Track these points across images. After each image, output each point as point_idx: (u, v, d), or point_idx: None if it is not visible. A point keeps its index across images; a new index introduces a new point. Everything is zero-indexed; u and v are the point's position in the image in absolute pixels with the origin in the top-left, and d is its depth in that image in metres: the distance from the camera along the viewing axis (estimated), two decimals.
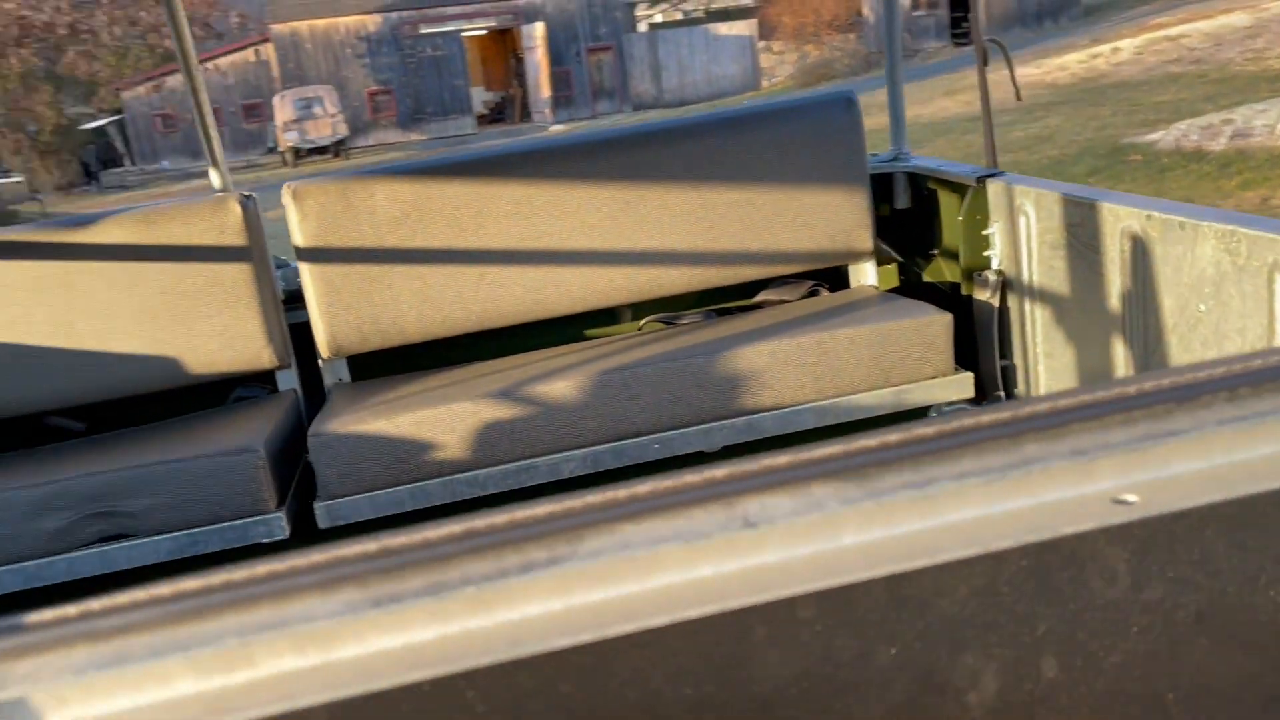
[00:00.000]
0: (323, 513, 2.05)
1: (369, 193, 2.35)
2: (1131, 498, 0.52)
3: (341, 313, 2.37)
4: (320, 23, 33.08)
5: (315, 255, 2.34)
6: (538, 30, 32.84)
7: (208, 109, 2.49)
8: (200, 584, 0.46)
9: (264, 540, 2.03)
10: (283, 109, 29.74)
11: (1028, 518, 0.50)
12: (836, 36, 31.07)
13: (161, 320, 2.30)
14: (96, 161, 33.84)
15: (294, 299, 2.42)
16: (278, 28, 32.88)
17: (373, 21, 33.37)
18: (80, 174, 31.93)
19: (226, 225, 2.30)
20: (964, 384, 2.24)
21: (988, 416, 0.51)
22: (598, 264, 2.46)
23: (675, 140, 2.50)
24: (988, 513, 0.50)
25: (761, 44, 34.28)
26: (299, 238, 2.34)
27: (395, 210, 2.36)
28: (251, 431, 2.11)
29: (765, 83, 33.13)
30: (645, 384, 2.13)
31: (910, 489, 0.49)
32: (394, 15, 33.32)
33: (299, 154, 29.25)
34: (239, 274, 2.31)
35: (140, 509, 1.98)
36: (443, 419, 2.07)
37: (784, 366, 2.16)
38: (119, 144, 34.96)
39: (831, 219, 2.54)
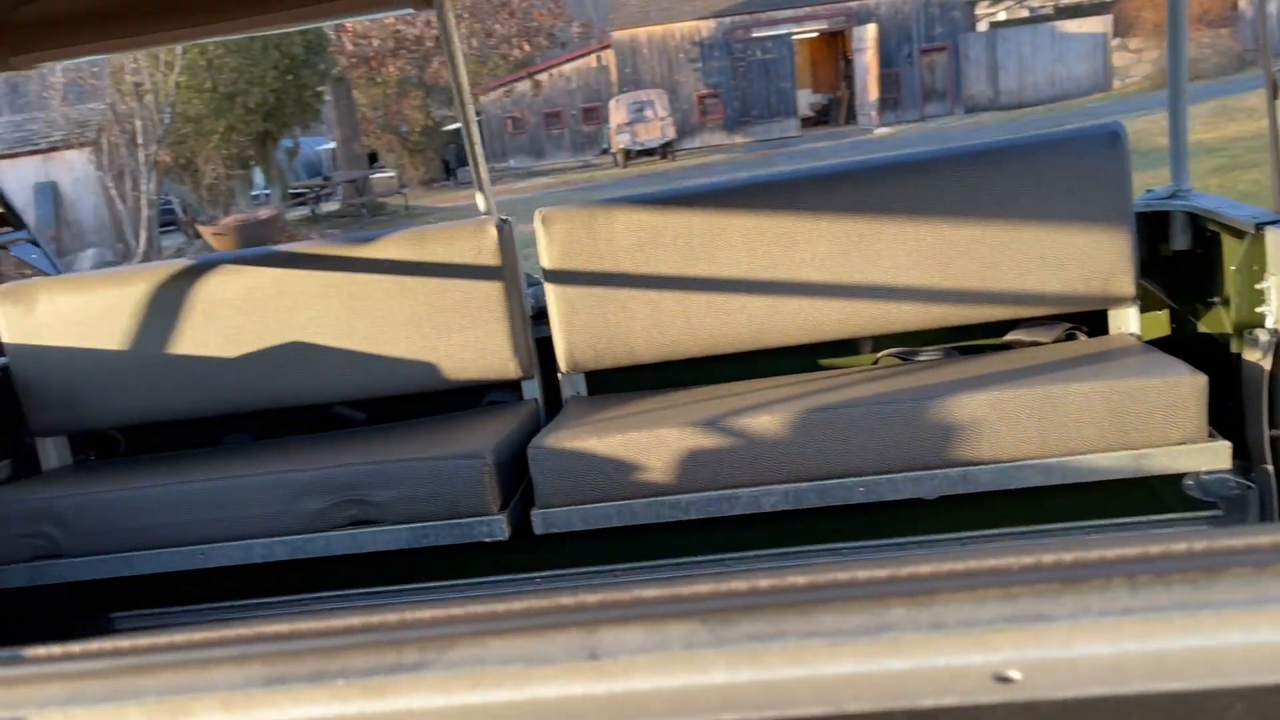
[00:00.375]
0: (538, 519, 2.21)
1: (610, 220, 2.49)
2: (1015, 674, 0.49)
3: (579, 331, 2.52)
4: (657, 29, 34.53)
5: (559, 276, 2.51)
6: (869, 32, 32.31)
7: (477, 136, 2.73)
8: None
9: (486, 539, 2.22)
10: (617, 112, 31.35)
11: (888, 684, 0.49)
12: (1207, 32, 27.99)
13: (425, 329, 2.57)
14: (455, 159, 37.50)
15: (541, 315, 2.61)
16: (618, 35, 34.72)
17: (706, 27, 34.35)
18: (440, 170, 35.41)
19: (483, 246, 2.53)
20: (1218, 453, 2.00)
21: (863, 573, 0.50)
22: (827, 296, 2.45)
23: (909, 174, 2.42)
24: (847, 671, 0.49)
25: (1116, 41, 31.61)
26: (546, 260, 2.53)
27: (633, 237, 2.48)
28: (485, 438, 2.31)
29: (1117, 83, 30.55)
30: (853, 425, 2.10)
31: (762, 640, 0.50)
32: (727, 20, 34.11)
33: (629, 155, 30.72)
34: (492, 291, 2.53)
35: (385, 500, 2.23)
36: (651, 442, 2.15)
37: (1005, 418, 2.04)
38: None
39: (1088, 260, 2.36)
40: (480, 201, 2.71)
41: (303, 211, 24.56)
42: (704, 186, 2.57)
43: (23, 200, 22.92)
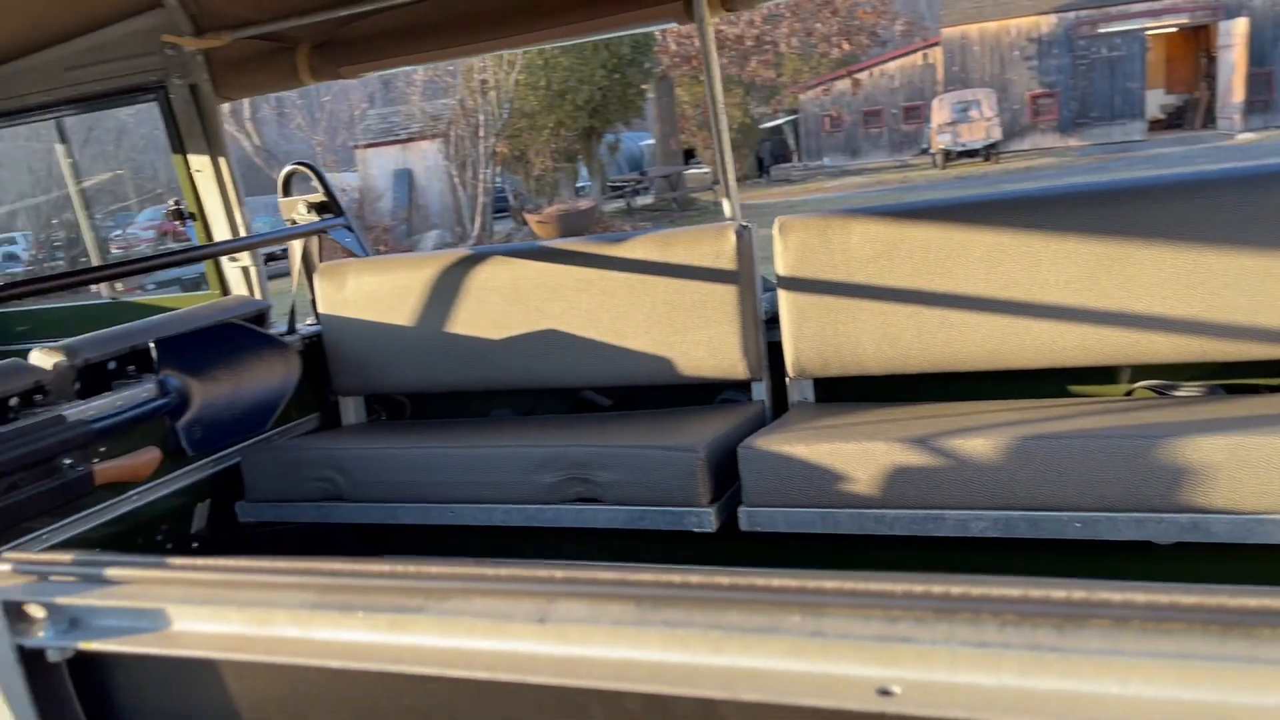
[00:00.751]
0: (744, 517, 2.29)
1: (846, 230, 2.50)
2: (896, 689, 0.53)
3: (808, 338, 2.56)
4: (991, 25, 32.92)
5: (792, 283, 2.56)
6: (1239, 26, 28.99)
7: (727, 141, 2.83)
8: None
9: (694, 530, 2.33)
10: (940, 111, 30.29)
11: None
12: None
13: (663, 325, 2.71)
14: (770, 156, 37.85)
15: (775, 320, 2.67)
16: (948, 31, 33.47)
17: (1046, 22, 32.31)
18: (754, 167, 35.85)
19: (722, 251, 2.63)
20: None
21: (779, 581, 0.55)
22: (1072, 320, 2.33)
23: (1172, 196, 2.24)
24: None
25: None
26: (781, 266, 2.59)
27: (868, 249, 2.48)
28: (705, 434, 2.42)
29: None
30: (1070, 458, 2.00)
31: (689, 626, 0.57)
32: (1071, 15, 31.89)
33: (949, 156, 29.61)
34: (728, 294, 2.63)
35: (608, 481, 2.41)
36: (858, 454, 2.17)
37: (1244, 466, 1.86)
38: (791, 141, 38.68)
39: None
40: (726, 207, 2.81)
41: (619, 204, 25.83)
42: (944, 201, 2.52)
43: (383, 184, 25.81)
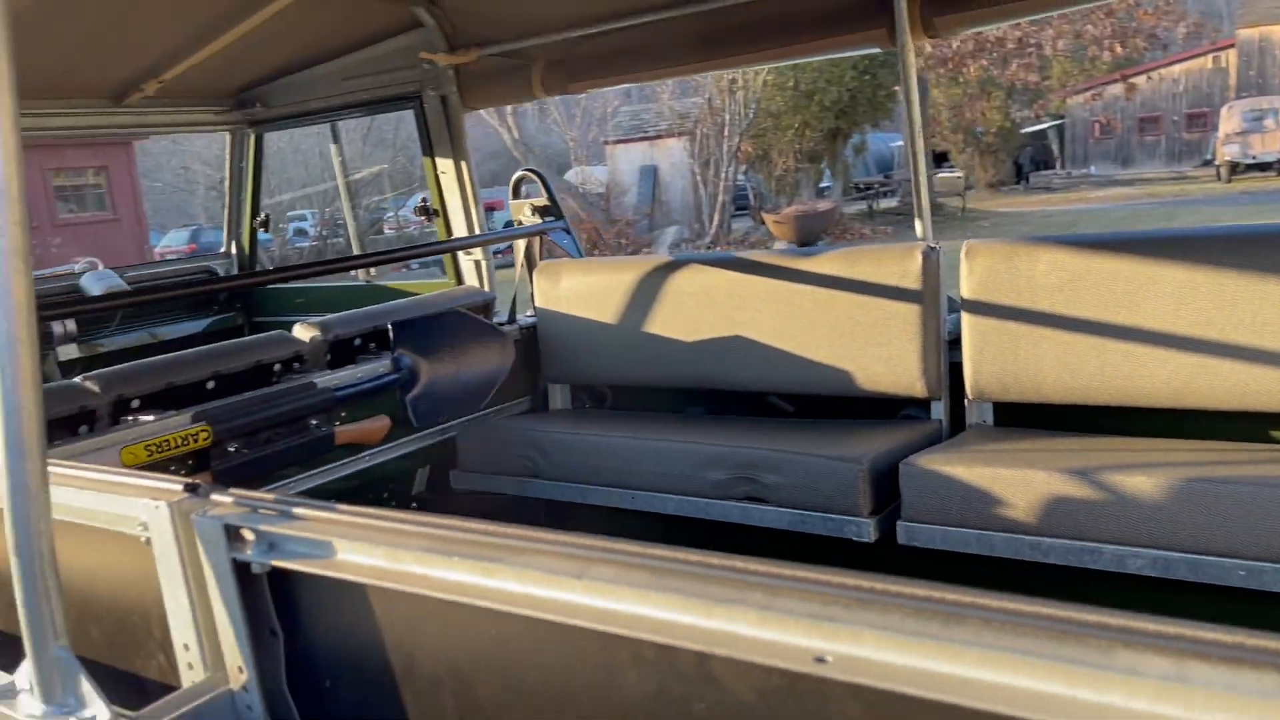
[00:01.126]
0: (902, 531, 2.36)
1: (1032, 258, 2.51)
2: (829, 659, 0.67)
3: (988, 361, 2.59)
4: None
5: (975, 306, 2.59)
6: None
7: (923, 164, 2.88)
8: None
9: (854, 539, 2.43)
10: (1229, 120, 27.78)
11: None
12: None
13: (846, 339, 2.81)
14: (1030, 163, 36.01)
15: (959, 341, 2.71)
16: (1245, 32, 30.64)
17: None
18: (1011, 173, 34.24)
19: (908, 271, 2.70)
20: None
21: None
22: (1264, 363, 2.24)
23: None
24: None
25: None
26: (965, 289, 2.62)
27: (1053, 277, 2.47)
28: (873, 447, 2.51)
29: None
30: (1237, 503, 1.95)
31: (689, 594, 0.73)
32: None
33: (1235, 169, 27.12)
34: (911, 313, 2.70)
35: (774, 484, 2.55)
36: (1017, 480, 2.20)
37: None
38: (1054, 148, 36.64)
39: None
40: (918, 228, 2.86)
41: (861, 206, 25.45)
42: (1134, 234, 2.46)
43: (629, 179, 26.68)
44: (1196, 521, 2.00)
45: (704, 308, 3.08)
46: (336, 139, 4.64)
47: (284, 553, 1.01)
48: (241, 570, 1.04)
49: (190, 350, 2.72)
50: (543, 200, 3.46)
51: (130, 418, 2.44)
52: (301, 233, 27.09)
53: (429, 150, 3.57)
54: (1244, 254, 2.27)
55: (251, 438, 2.58)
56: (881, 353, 2.76)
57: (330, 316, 3.02)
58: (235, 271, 4.42)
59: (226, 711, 1.05)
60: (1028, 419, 2.65)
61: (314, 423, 2.78)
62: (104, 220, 24.66)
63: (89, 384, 2.41)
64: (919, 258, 2.70)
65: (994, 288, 2.57)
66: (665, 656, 0.77)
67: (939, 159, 31.52)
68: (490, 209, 29.04)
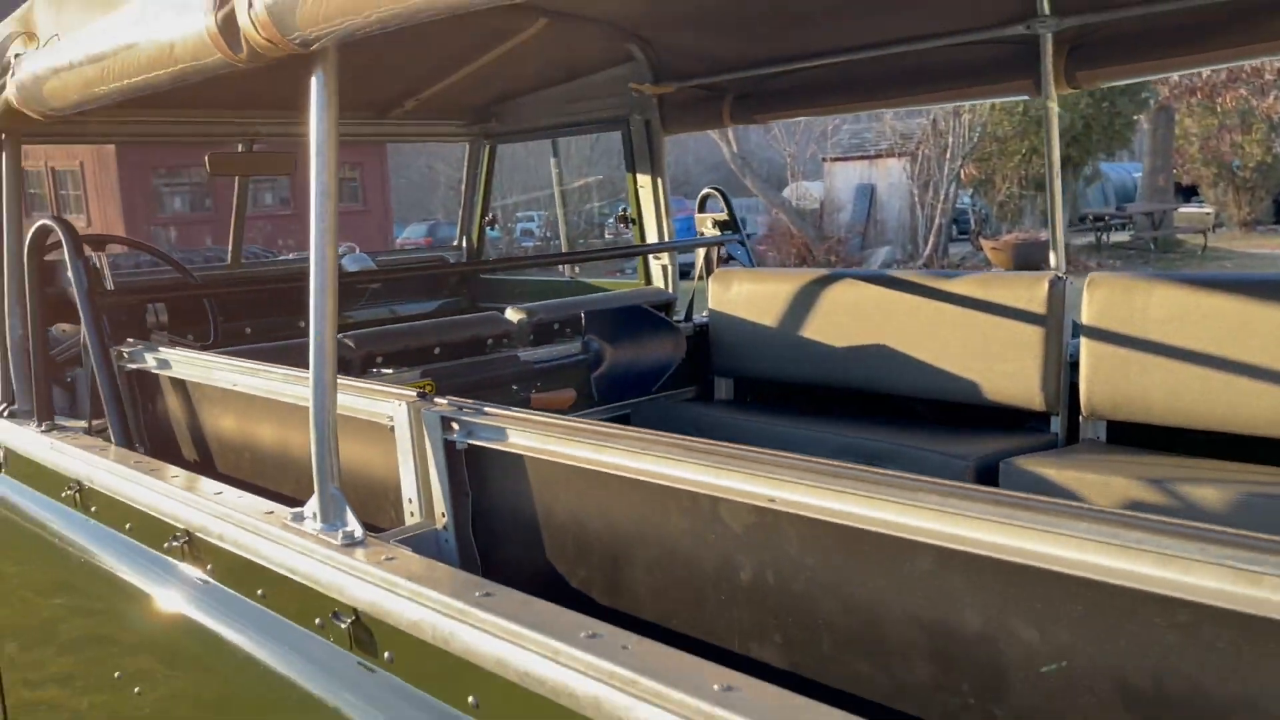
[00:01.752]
0: None
1: (1148, 292, 2.75)
2: (775, 505, 1.12)
3: (1100, 382, 2.84)
4: None
5: (1091, 332, 2.86)
6: None
7: (1059, 199, 3.14)
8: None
9: None
10: None
11: None
12: None
13: (977, 354, 3.12)
14: None
15: (1079, 362, 2.97)
16: None
17: None
18: (1270, 212, 31.72)
19: (1034, 297, 2.99)
20: None
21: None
22: None
23: None
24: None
25: None
26: (1084, 316, 2.89)
27: (1164, 310, 2.71)
28: (985, 449, 2.83)
29: None
30: None
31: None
32: None
33: None
34: (1035, 335, 2.98)
35: None
36: (1099, 485, 2.48)
37: None
38: None
39: None
40: (1052, 258, 3.14)
41: (1091, 239, 24.39)
42: (1243, 275, 2.66)
43: (845, 197, 26.70)
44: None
45: (854, 318, 3.46)
46: (556, 153, 5.30)
47: (476, 436, 1.55)
48: (449, 448, 1.58)
49: (423, 322, 3.38)
50: (723, 215, 3.94)
51: (374, 370, 3.11)
52: (528, 233, 28.98)
53: (632, 167, 4.12)
54: None
55: (464, 395, 3.20)
56: (1007, 368, 3.06)
57: (537, 304, 3.62)
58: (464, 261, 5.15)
59: (431, 542, 1.59)
60: (1142, 439, 2.89)
61: (515, 388, 3.37)
62: (356, 211, 27.14)
63: (348, 340, 3.09)
64: (1046, 285, 2.99)
65: (1110, 317, 2.84)
66: (695, 503, 1.24)
67: (1187, 193, 29.65)
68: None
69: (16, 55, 2.20)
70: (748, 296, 3.78)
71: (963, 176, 24.58)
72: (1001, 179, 23.16)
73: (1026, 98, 3.13)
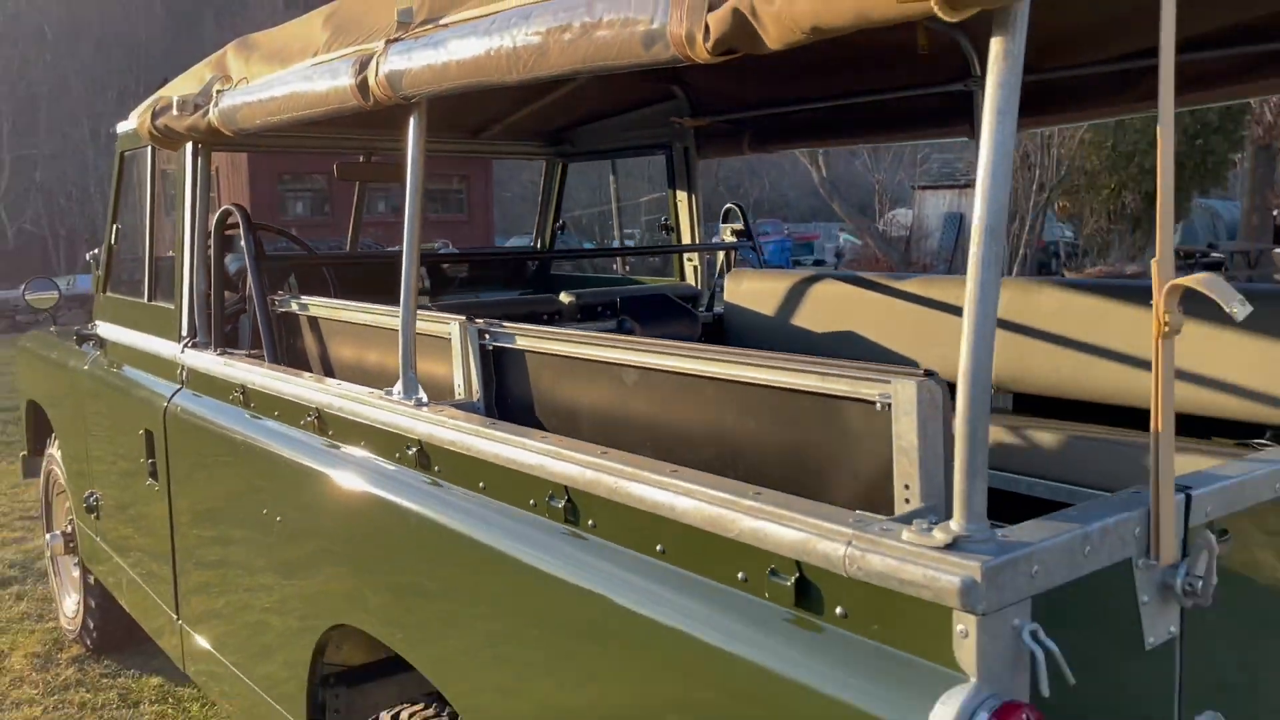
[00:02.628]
0: None
1: (1038, 292, 3.50)
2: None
3: (1005, 363, 3.60)
4: None
5: (1002, 324, 3.61)
6: None
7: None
8: None
9: None
10: None
11: None
12: None
13: (948, 342, 3.90)
14: None
15: None
16: None
17: None
18: None
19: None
20: None
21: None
22: None
23: None
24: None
25: None
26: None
27: (1049, 307, 3.46)
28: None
29: None
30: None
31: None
32: None
33: None
34: None
35: None
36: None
37: None
38: None
39: None
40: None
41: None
42: (1103, 281, 3.39)
43: (933, 224, 27.09)
44: None
45: (851, 313, 4.26)
46: (614, 172, 6.24)
47: (500, 341, 2.46)
48: (482, 350, 2.49)
49: (493, 300, 4.33)
50: (740, 225, 4.80)
51: None
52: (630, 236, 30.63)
53: (672, 185, 5.02)
54: None
55: None
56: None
57: (583, 290, 4.54)
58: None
59: (469, 407, 2.50)
60: (1038, 408, 3.63)
61: None
62: (460, 221, 28.79)
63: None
64: None
65: (1011, 310, 3.60)
66: (652, 378, 2.13)
67: None
68: (806, 241, 30.47)
69: (218, 90, 3.22)
70: (757, 292, 4.62)
71: (1057, 210, 24.77)
72: (1090, 213, 23.31)
73: (967, 139, 3.91)
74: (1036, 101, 3.75)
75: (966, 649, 1.25)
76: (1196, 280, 1.40)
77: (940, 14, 1.24)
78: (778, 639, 1.45)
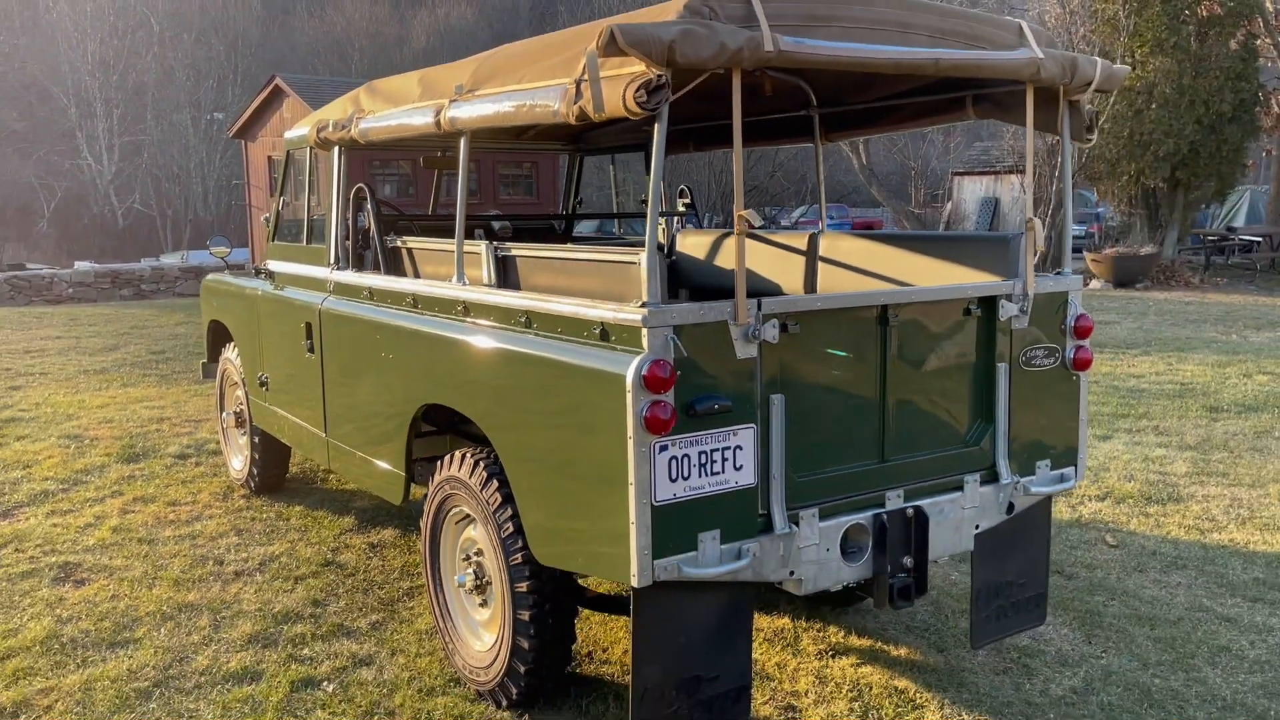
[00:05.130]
0: None
1: (838, 239, 5.64)
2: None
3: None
4: None
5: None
6: None
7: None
8: None
9: None
10: None
11: None
12: None
13: None
14: None
15: None
16: None
17: None
18: None
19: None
20: None
21: None
22: None
23: None
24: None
25: None
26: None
27: (844, 250, 5.59)
28: None
29: None
30: None
31: None
32: None
33: None
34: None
35: None
36: None
37: None
38: None
39: None
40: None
41: (1200, 258, 25.64)
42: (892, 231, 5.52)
43: (970, 209, 28.74)
44: None
45: (765, 261, 6.45)
46: (614, 163, 8.50)
47: (509, 253, 4.77)
48: (497, 257, 4.80)
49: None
50: (688, 200, 7.03)
51: None
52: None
53: (647, 171, 7.26)
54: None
55: None
56: None
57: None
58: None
59: None
60: None
61: None
62: (529, 202, 31.39)
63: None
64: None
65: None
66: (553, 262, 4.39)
67: None
68: (867, 226, 32.30)
69: (355, 116, 5.59)
70: (693, 244, 6.85)
71: (1098, 193, 26.26)
72: (1112, 197, 24.80)
73: (810, 144, 6.07)
74: (840, 123, 5.91)
75: (645, 342, 3.52)
76: (750, 213, 3.64)
77: (593, 118, 3.49)
78: (595, 352, 3.66)
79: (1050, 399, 4.51)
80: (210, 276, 8.27)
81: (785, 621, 5.51)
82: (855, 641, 5.30)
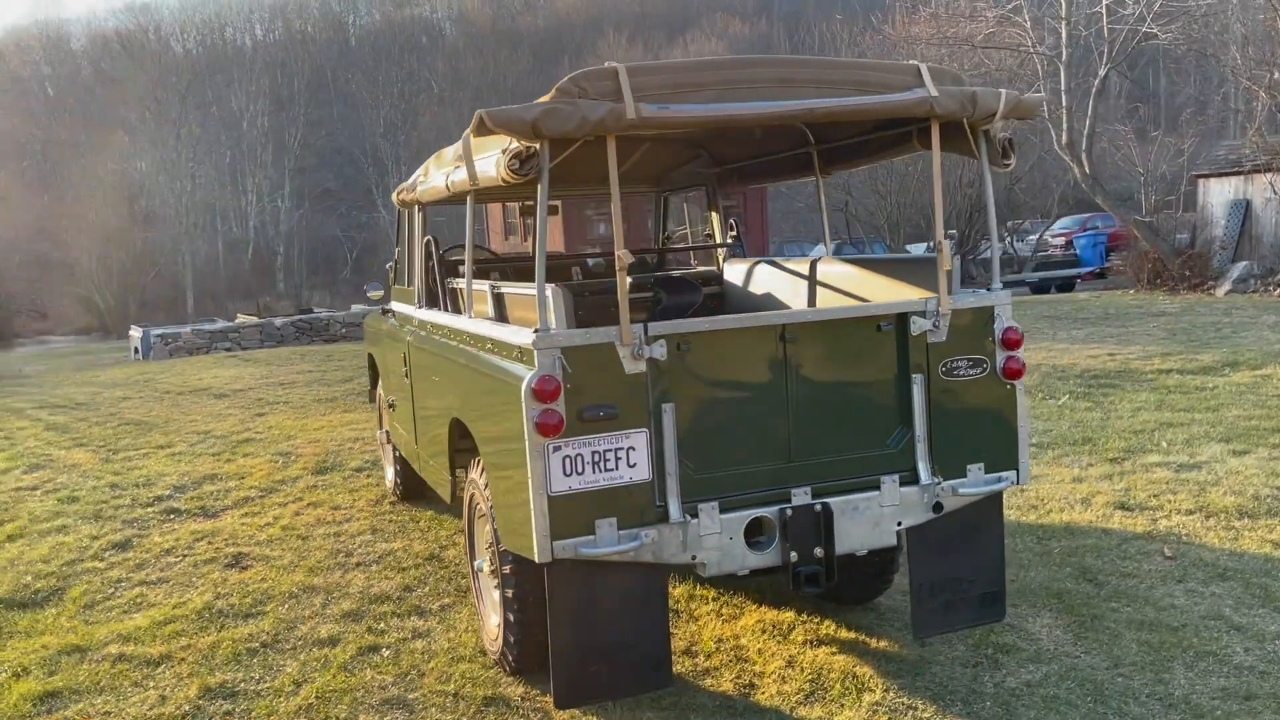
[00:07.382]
0: None
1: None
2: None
3: None
4: None
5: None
6: None
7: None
8: None
9: None
10: None
11: None
12: None
13: None
14: None
15: None
16: None
17: None
18: None
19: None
20: None
21: None
22: None
23: None
24: None
25: None
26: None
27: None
28: None
29: None
30: None
31: None
32: None
33: None
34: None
35: None
36: None
37: None
38: None
39: None
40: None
41: None
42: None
43: (1218, 213, 26.51)
44: None
45: (769, 286, 7.00)
46: (686, 201, 9.25)
47: None
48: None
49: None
50: (734, 233, 7.66)
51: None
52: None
53: (708, 208, 7.97)
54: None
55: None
56: None
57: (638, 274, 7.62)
58: None
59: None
60: None
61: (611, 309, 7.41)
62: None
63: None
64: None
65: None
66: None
67: None
68: (1114, 238, 30.56)
69: (420, 182, 6.75)
70: (738, 272, 7.45)
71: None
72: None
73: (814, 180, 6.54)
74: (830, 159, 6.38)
75: (536, 360, 4.33)
76: (624, 253, 4.39)
77: (509, 180, 4.34)
78: (515, 365, 4.38)
79: (980, 406, 4.82)
80: (368, 316, 9.80)
81: (789, 615, 6.02)
82: (843, 634, 5.72)
